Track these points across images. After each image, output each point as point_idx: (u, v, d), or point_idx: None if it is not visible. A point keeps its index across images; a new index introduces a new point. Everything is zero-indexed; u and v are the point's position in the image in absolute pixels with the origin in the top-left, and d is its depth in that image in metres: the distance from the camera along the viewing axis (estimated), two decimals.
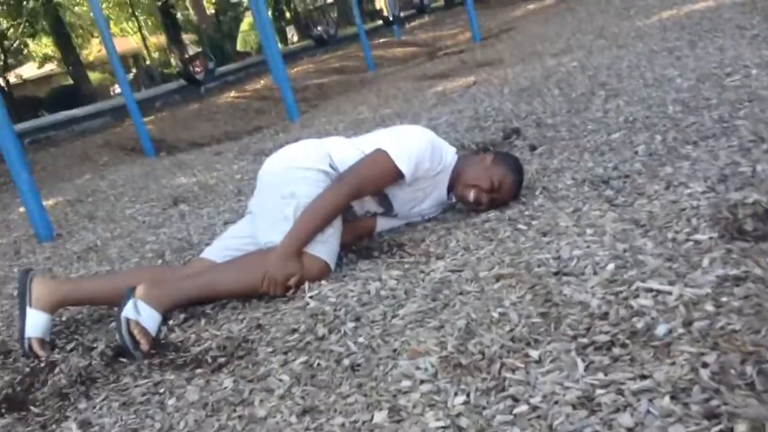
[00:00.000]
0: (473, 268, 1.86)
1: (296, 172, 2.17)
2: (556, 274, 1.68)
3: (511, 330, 1.46)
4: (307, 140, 2.40)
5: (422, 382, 1.35)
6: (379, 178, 2.16)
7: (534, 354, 1.34)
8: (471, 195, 2.27)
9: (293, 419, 1.36)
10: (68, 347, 2.08)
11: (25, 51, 29.96)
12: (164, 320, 2.00)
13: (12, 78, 28.91)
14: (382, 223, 2.41)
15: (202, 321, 2.00)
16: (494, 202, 2.31)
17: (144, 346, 1.86)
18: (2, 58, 26.46)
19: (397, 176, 2.17)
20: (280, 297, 2.00)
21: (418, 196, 2.32)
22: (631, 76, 3.85)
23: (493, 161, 2.29)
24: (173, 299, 2.04)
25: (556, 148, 2.89)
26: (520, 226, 2.10)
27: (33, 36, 27.33)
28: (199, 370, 1.71)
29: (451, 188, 2.34)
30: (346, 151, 2.25)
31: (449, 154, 2.31)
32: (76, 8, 26.52)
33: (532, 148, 3.00)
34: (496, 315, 1.54)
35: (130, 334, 1.86)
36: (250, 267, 2.05)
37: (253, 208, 2.27)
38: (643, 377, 1.17)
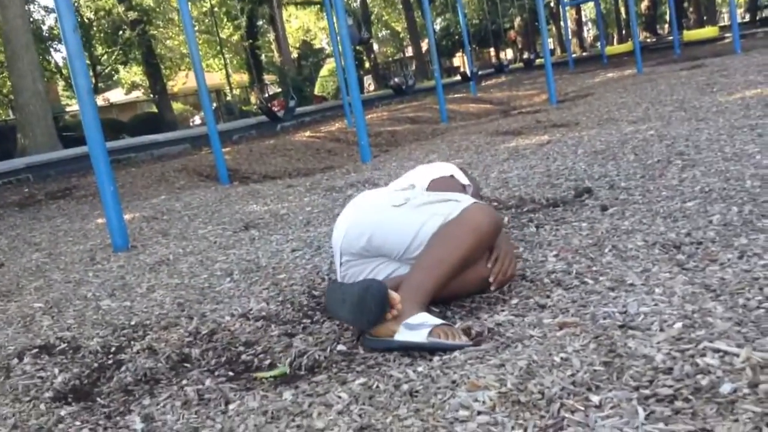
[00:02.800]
0: (536, 315, 1.87)
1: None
2: (621, 327, 1.67)
3: (573, 375, 1.46)
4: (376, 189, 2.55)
5: (480, 413, 1.36)
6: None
7: (594, 399, 1.34)
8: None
9: None
10: (135, 349, 2.17)
11: (115, 77, 31.61)
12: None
13: (100, 101, 30.41)
14: None
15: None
16: None
17: None
18: (93, 81, 27.96)
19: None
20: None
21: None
22: (710, 149, 3.82)
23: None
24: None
25: (628, 210, 2.88)
26: (587, 280, 2.11)
27: (125, 64, 28.88)
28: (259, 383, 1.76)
29: None
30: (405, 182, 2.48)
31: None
32: (168, 42, 27.87)
33: (604, 208, 2.99)
34: (557, 359, 1.54)
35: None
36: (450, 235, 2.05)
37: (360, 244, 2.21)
38: (705, 431, 1.16)
